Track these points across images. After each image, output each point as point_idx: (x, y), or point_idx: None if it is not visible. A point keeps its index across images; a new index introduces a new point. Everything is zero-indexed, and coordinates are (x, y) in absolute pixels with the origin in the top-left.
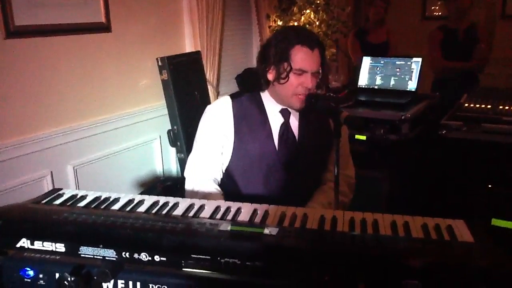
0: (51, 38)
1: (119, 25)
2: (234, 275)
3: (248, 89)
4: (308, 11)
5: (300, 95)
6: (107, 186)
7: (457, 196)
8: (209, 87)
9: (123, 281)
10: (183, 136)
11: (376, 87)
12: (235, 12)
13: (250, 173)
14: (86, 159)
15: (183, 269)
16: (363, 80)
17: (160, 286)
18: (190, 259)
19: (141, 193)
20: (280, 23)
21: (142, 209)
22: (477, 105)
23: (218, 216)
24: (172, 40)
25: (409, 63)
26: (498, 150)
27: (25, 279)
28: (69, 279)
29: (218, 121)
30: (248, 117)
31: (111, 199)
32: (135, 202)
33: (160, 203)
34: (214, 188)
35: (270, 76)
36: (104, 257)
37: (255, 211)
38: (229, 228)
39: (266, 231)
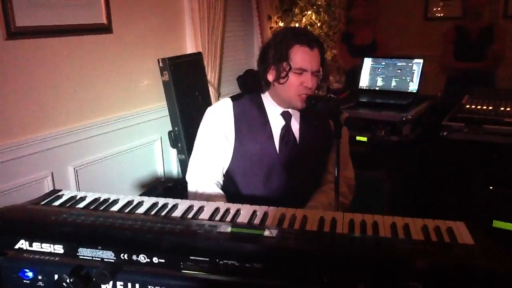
0: (52, 39)
1: (120, 26)
2: (233, 277)
3: (249, 90)
4: (309, 12)
5: (301, 95)
6: (108, 187)
7: (459, 198)
8: (210, 88)
9: (122, 283)
10: (184, 137)
11: (377, 88)
12: (236, 13)
13: (250, 174)
14: (87, 160)
15: (182, 271)
16: (364, 81)
17: (159, 287)
18: (189, 260)
19: (142, 194)
20: (281, 24)
21: (141, 210)
22: (479, 106)
23: (217, 217)
24: (173, 41)
25: (410, 64)
26: (500, 151)
27: (24, 281)
28: (68, 280)
29: (218, 123)
30: (249, 119)
31: (110, 201)
32: (134, 203)
33: (159, 205)
34: (217, 192)
35: (270, 77)
36: (102, 258)
37: (254, 212)
38: (228, 229)
39: (266, 232)
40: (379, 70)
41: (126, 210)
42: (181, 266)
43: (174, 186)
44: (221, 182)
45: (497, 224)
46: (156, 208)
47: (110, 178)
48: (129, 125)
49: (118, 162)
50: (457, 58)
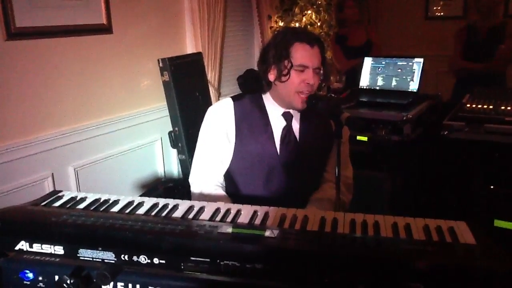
0: (52, 40)
1: (120, 26)
2: (234, 278)
3: (249, 90)
4: (309, 11)
5: (302, 93)
6: (108, 188)
7: (459, 197)
8: (211, 88)
9: (122, 284)
10: (184, 137)
11: (377, 87)
12: (237, 13)
13: (251, 174)
14: (87, 161)
15: (183, 271)
16: (364, 80)
17: None
18: (189, 261)
19: (142, 195)
20: (281, 23)
21: (141, 211)
22: (479, 106)
23: (218, 218)
24: (173, 41)
25: (410, 63)
26: (501, 150)
27: (25, 282)
28: (68, 281)
29: (220, 122)
30: (250, 119)
31: (110, 201)
32: (135, 204)
33: (160, 205)
34: (221, 194)
35: (271, 77)
36: (103, 259)
37: (255, 213)
38: (229, 230)
39: (267, 233)
40: (380, 69)
41: (127, 211)
42: (182, 267)
43: (175, 186)
44: (224, 184)
45: (498, 223)
46: (157, 209)
47: (111, 179)
48: (129, 126)
49: (118, 163)
50: (465, 58)
